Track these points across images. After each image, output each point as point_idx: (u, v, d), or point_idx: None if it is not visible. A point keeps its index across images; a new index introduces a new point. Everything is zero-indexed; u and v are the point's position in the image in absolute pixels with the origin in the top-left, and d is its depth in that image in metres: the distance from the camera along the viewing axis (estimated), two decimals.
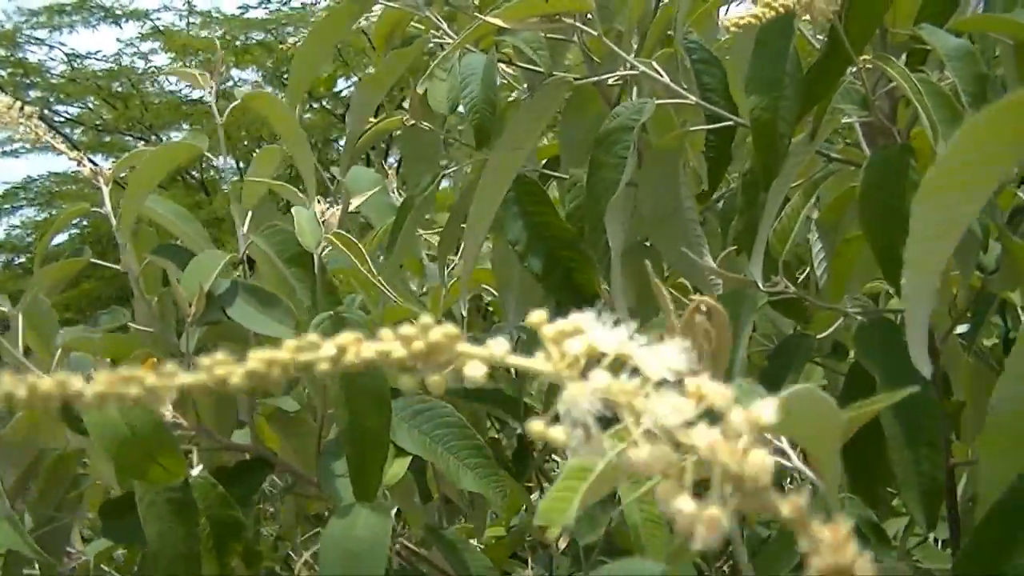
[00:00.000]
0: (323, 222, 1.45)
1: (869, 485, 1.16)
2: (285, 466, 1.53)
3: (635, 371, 0.65)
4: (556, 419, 0.64)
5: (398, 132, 1.91)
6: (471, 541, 1.67)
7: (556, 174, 1.67)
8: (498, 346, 0.66)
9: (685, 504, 0.63)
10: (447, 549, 1.41)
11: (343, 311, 1.33)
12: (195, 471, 1.35)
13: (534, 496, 2.33)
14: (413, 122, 1.74)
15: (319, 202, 1.74)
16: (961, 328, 1.50)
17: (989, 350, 1.60)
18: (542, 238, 1.46)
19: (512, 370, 2.12)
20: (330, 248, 1.55)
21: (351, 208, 1.89)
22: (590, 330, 0.63)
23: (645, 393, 0.63)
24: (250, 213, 1.57)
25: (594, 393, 0.58)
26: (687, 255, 1.16)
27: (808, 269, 1.35)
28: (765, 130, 1.04)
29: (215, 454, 1.51)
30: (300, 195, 1.63)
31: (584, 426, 0.59)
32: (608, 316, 0.67)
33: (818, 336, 1.21)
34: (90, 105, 4.85)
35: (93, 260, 1.65)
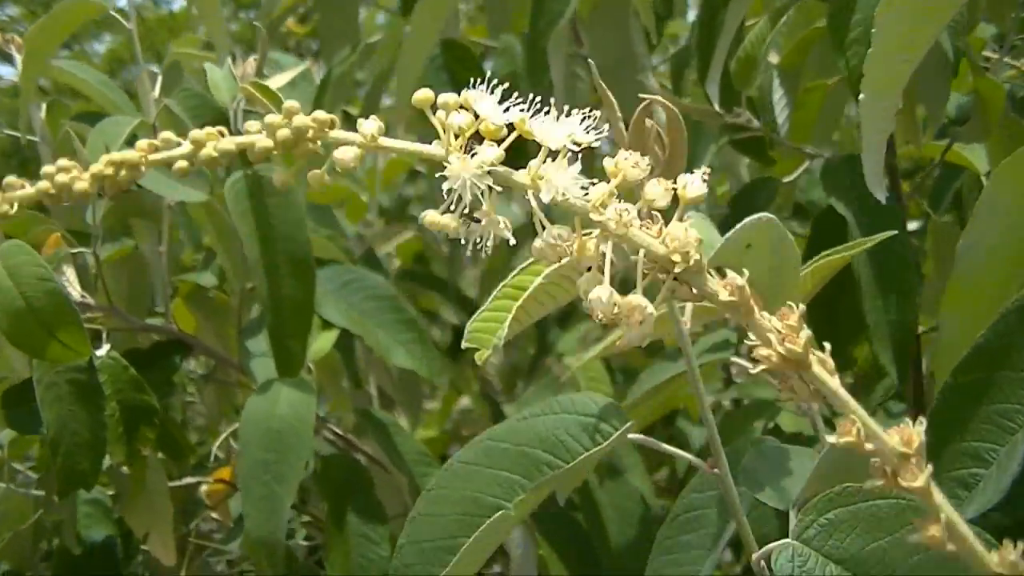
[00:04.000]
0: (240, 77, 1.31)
1: (836, 342, 1.06)
2: (204, 348, 1.41)
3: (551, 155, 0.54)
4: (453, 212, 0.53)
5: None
6: None
7: (487, 42, 1.56)
8: (369, 125, 0.55)
9: (602, 291, 0.51)
10: (379, 433, 1.30)
11: (260, 169, 1.20)
12: (102, 351, 1.23)
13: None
14: None
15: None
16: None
17: None
18: None
19: (447, 252, 2.02)
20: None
21: (274, 87, 1.76)
22: (478, 103, 0.55)
23: (546, 165, 0.53)
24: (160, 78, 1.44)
25: (480, 167, 0.53)
26: (640, 85, 1.05)
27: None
28: None
29: (128, 336, 1.39)
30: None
31: (472, 206, 0.53)
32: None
33: (784, 180, 1.11)
34: (8, 14, 4.62)
35: (6, 131, 1.57)
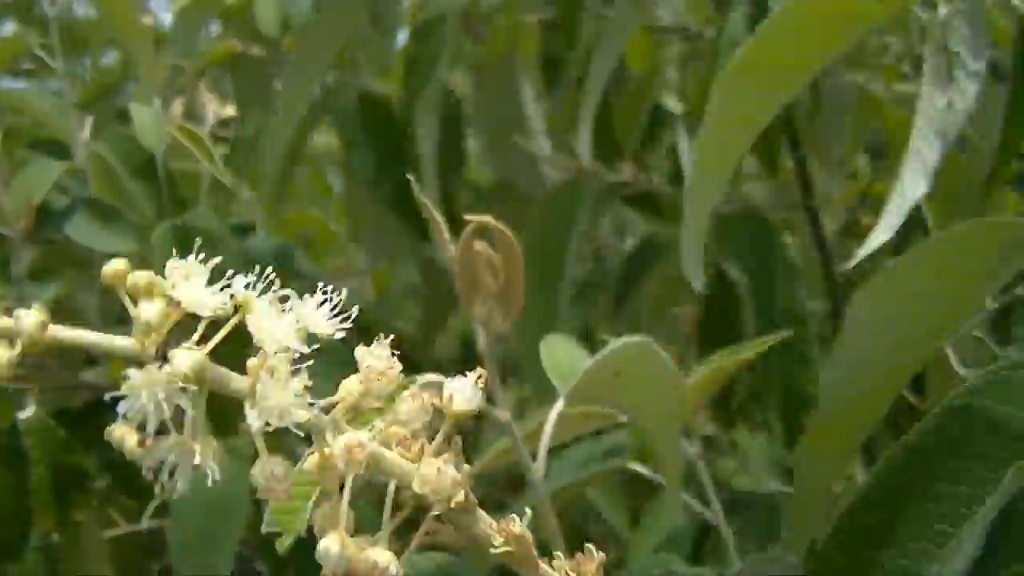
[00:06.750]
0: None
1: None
2: None
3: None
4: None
5: None
6: None
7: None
8: (29, 318, 0.44)
9: (331, 543, 0.41)
10: None
11: (189, 219, 1.17)
12: (24, 413, 1.21)
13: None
14: (243, 49, 1.54)
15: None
16: None
17: None
18: (395, 163, 1.30)
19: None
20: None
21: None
22: (180, 286, 0.43)
23: (260, 378, 0.42)
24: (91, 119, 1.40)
25: (170, 380, 0.41)
26: (515, 146, 0.98)
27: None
28: None
29: (62, 394, 1.37)
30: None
31: (156, 427, 0.41)
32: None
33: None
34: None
35: None
